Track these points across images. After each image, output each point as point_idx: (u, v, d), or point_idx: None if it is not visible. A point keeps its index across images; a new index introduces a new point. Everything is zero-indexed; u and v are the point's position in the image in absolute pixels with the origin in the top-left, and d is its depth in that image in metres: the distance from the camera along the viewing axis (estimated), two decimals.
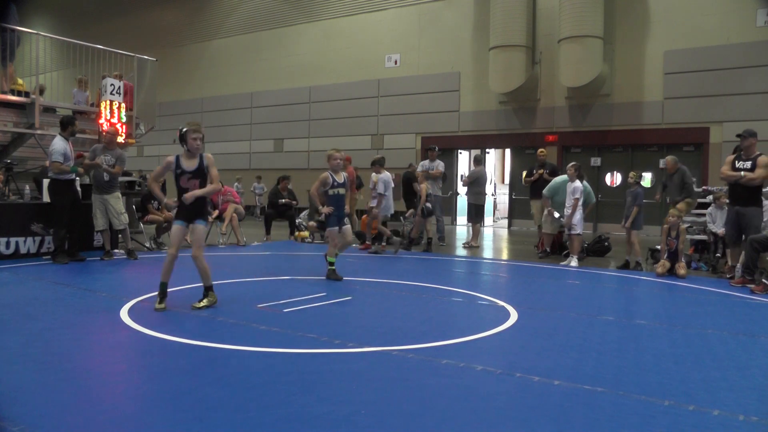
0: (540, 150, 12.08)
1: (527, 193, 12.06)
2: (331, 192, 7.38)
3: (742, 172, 7.60)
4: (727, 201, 9.08)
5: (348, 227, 7.53)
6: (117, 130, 9.82)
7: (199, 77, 24.56)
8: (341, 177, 7.45)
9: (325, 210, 7.29)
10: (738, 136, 7.98)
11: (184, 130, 5.40)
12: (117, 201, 8.84)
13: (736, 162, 7.78)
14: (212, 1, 24.35)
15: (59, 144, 8.18)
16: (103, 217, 8.70)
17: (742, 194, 7.68)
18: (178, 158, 5.44)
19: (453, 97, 18.64)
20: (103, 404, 3.18)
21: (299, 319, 5.18)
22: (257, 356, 4.06)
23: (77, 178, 8.80)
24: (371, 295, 6.55)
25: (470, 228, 14.33)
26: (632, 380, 3.67)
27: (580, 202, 9.37)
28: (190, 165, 5.44)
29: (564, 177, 9.99)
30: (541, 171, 11.45)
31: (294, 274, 7.95)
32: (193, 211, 5.47)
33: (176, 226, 5.52)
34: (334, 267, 7.31)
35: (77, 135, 9.33)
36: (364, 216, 12.22)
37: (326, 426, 2.89)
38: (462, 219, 19.18)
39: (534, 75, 16.97)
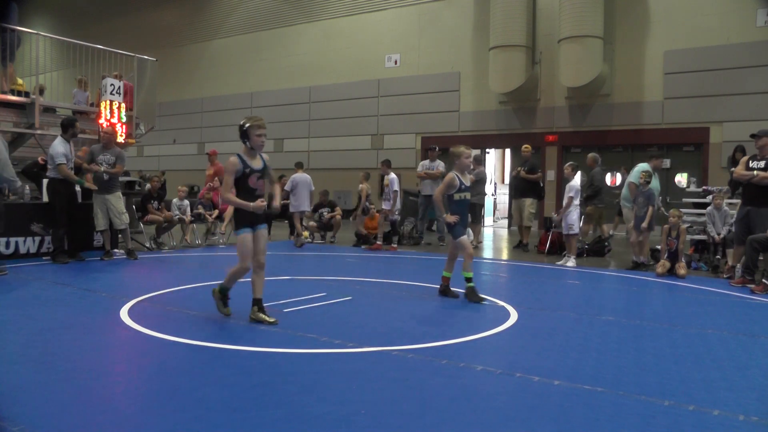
0: (524, 147, 12.11)
1: (525, 193, 11.94)
2: (456, 196, 6.32)
3: (755, 172, 7.58)
4: (728, 201, 9.11)
5: (466, 237, 6.49)
6: (115, 130, 9.81)
7: (199, 77, 24.56)
8: (467, 179, 6.48)
9: (451, 219, 6.19)
10: (752, 136, 7.93)
11: (247, 125, 4.86)
12: (118, 200, 8.83)
13: (750, 162, 7.77)
14: (212, 1, 24.35)
15: (60, 146, 8.20)
16: (104, 217, 8.70)
17: (756, 194, 7.64)
18: (241, 157, 4.89)
19: (453, 97, 18.63)
20: (103, 404, 3.18)
21: (299, 319, 5.18)
22: (257, 356, 4.06)
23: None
24: (371, 295, 6.55)
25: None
26: (632, 380, 3.67)
27: (576, 201, 9.37)
28: (256, 164, 4.94)
29: (643, 165, 9.58)
30: (519, 168, 11.52)
31: (294, 274, 7.95)
32: (261, 217, 5.02)
33: (247, 235, 4.93)
34: (473, 284, 6.24)
35: (77, 135, 9.33)
36: (366, 218, 12.25)
37: (326, 426, 2.89)
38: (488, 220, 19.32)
39: (534, 75, 16.96)
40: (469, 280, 6.22)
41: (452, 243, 6.41)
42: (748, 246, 7.45)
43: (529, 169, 11.63)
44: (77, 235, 8.77)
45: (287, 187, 11.78)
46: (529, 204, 11.57)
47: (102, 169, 8.56)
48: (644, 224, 8.92)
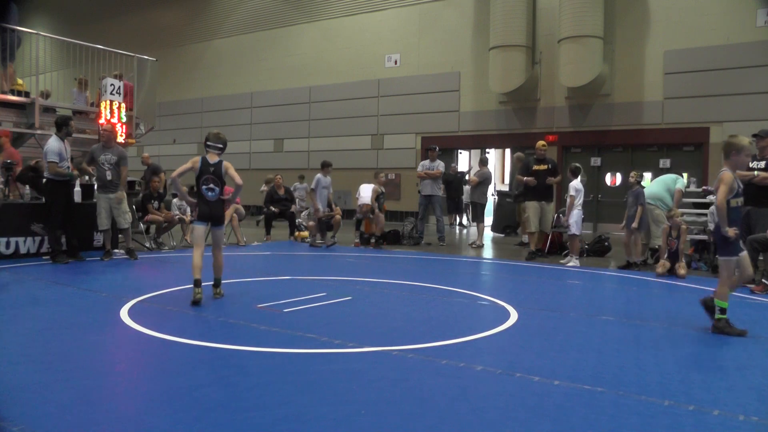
0: (540, 143, 10.73)
1: (547, 195, 10.51)
2: (733, 202, 5.03)
3: (756, 172, 7.57)
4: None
5: (746, 254, 5.20)
6: (114, 128, 9.79)
7: (199, 77, 24.55)
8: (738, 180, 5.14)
9: (732, 232, 4.92)
10: (754, 136, 7.89)
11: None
12: (123, 200, 8.84)
13: (750, 162, 7.76)
14: (212, 1, 24.35)
15: (54, 144, 8.17)
16: (107, 217, 8.69)
17: (756, 194, 7.62)
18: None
19: (453, 97, 18.63)
20: (103, 404, 3.18)
21: (299, 319, 5.18)
22: (257, 356, 4.06)
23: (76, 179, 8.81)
24: (371, 295, 6.55)
25: (470, 228, 14.33)
26: (632, 380, 3.67)
27: (577, 201, 9.39)
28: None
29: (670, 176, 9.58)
30: (544, 167, 10.29)
31: (294, 274, 7.95)
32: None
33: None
34: (726, 316, 5.00)
35: (75, 135, 9.32)
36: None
37: (326, 426, 2.89)
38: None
39: (534, 75, 16.96)
40: (723, 311, 5.02)
41: (721, 263, 5.15)
42: (748, 246, 7.43)
43: (553, 168, 10.45)
44: (77, 235, 8.76)
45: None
46: (552, 208, 10.53)
47: (105, 169, 8.57)
48: (634, 224, 8.97)
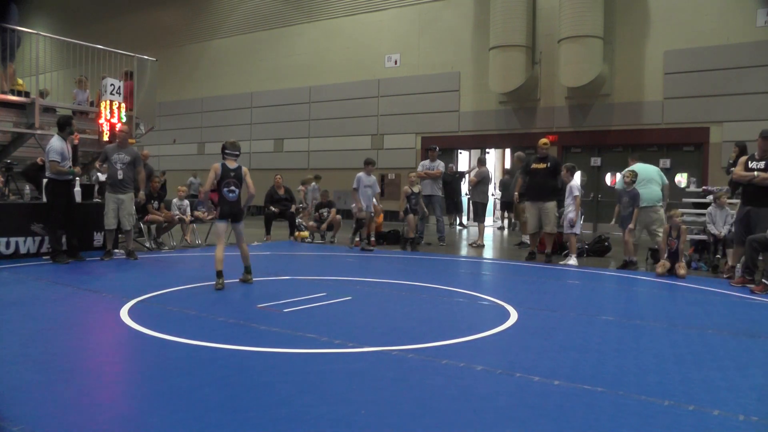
0: (542, 141, 10.08)
1: (548, 195, 9.90)
2: None
3: (756, 173, 7.57)
4: (728, 201, 9.09)
5: None
6: (130, 129, 9.77)
7: (199, 77, 24.55)
8: None
9: None
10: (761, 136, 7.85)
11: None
12: (131, 201, 8.84)
13: (749, 162, 7.75)
14: (212, 1, 24.35)
15: (56, 144, 8.19)
16: (114, 217, 8.69)
17: (756, 194, 7.62)
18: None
19: (453, 97, 18.63)
20: (103, 404, 3.18)
21: (299, 319, 5.18)
22: (257, 356, 4.06)
23: (76, 179, 8.80)
24: (371, 295, 6.55)
25: (470, 227, 14.34)
26: (632, 380, 3.67)
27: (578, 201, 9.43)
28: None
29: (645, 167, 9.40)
30: (543, 165, 9.78)
31: (294, 274, 7.95)
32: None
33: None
34: None
35: (74, 134, 9.31)
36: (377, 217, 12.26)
37: (326, 426, 2.89)
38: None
39: (534, 75, 16.96)
40: None
41: None
42: (748, 246, 7.45)
43: (554, 167, 9.86)
44: (77, 235, 8.75)
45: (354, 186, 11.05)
46: (552, 207, 9.91)
47: (118, 168, 8.57)
48: (630, 225, 8.92)
